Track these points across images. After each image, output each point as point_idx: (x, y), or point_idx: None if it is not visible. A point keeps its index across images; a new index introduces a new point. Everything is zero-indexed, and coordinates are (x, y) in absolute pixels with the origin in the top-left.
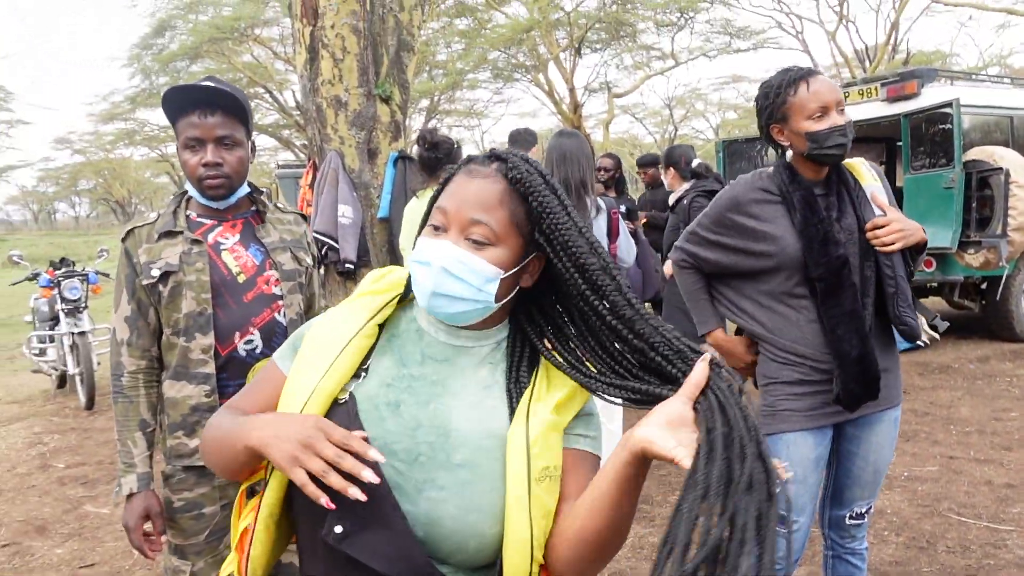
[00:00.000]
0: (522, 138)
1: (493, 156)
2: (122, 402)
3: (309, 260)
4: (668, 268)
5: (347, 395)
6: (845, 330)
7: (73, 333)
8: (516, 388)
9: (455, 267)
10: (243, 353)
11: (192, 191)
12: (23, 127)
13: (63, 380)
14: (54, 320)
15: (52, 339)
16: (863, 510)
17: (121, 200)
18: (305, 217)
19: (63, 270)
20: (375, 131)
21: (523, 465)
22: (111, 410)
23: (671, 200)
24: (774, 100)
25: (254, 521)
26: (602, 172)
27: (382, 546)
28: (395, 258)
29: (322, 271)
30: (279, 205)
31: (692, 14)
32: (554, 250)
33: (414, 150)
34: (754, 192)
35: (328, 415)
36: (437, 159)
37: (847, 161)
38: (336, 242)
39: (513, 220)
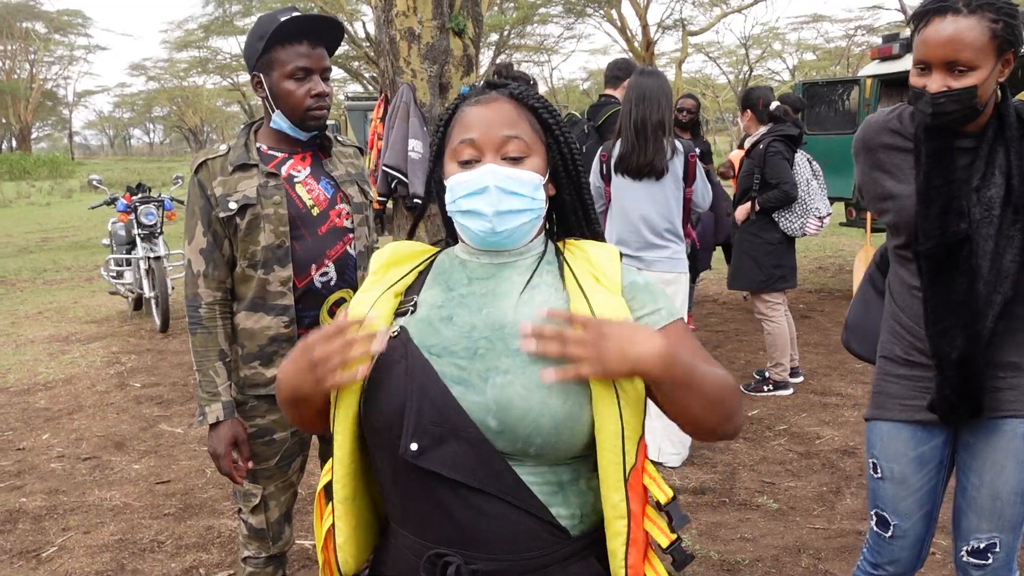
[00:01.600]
0: (622, 69)
1: (490, 86)
2: (201, 333)
3: (372, 193)
4: (740, 213)
5: (397, 327)
6: (950, 324)
7: (149, 257)
8: (561, 278)
9: (509, 184)
10: (319, 285)
11: (281, 122)
12: (101, 53)
13: (139, 302)
14: (131, 244)
15: (129, 263)
16: (982, 546)
17: (193, 127)
18: (363, 151)
19: (139, 195)
20: (447, 65)
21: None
22: (184, 334)
23: (747, 144)
24: (913, 29)
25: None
26: (684, 113)
27: (458, 455)
28: None
29: (390, 205)
30: (340, 138)
31: None
32: (562, 155)
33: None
34: (885, 135)
35: (383, 353)
36: None
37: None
38: (406, 176)
39: (534, 129)
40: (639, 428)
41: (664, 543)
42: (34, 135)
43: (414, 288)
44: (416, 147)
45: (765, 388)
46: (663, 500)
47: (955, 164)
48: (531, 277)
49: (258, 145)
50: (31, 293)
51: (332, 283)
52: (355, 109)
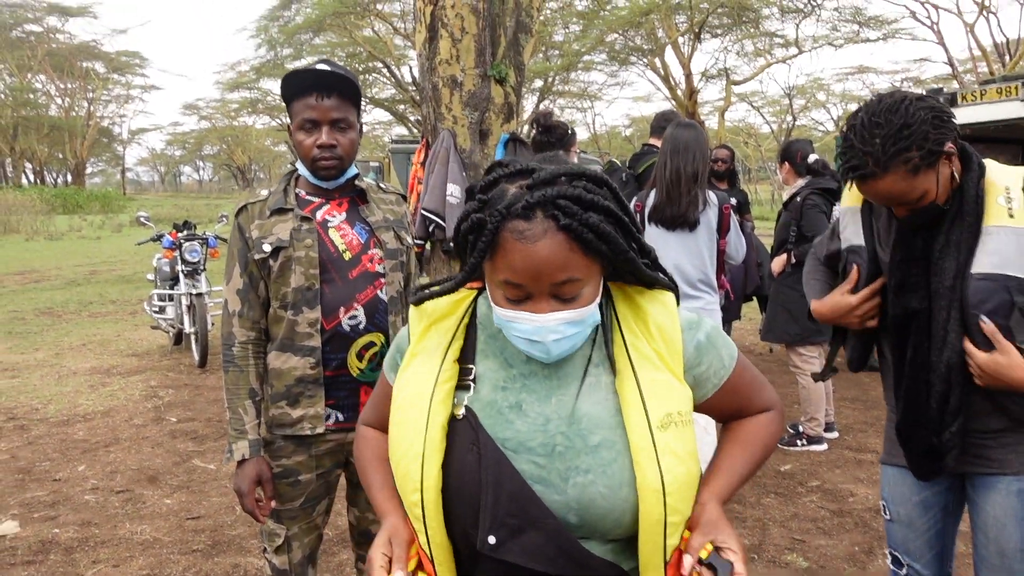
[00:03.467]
0: (667, 120)
1: (534, 207)
2: (233, 371)
3: (409, 239)
4: (776, 265)
5: (463, 410)
6: (909, 384)
7: (191, 294)
8: (611, 345)
9: (565, 330)
10: (347, 328)
11: (303, 170)
12: (156, 92)
13: (179, 338)
14: (174, 280)
15: (171, 298)
16: None
17: (242, 166)
18: (406, 197)
19: (185, 232)
20: (488, 112)
21: (641, 414)
22: (221, 369)
23: (784, 196)
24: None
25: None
26: (719, 164)
27: (537, 547)
28: None
29: (428, 248)
30: (382, 185)
31: (820, 0)
32: (624, 256)
33: (525, 131)
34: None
35: (450, 433)
36: (550, 143)
37: (990, 179)
38: (443, 220)
39: (587, 257)
40: (688, 512)
41: None
42: (88, 170)
43: (467, 352)
44: (454, 192)
45: (799, 443)
46: (704, 556)
47: (915, 243)
48: (591, 354)
49: (297, 191)
50: (76, 325)
51: (361, 327)
52: (399, 152)
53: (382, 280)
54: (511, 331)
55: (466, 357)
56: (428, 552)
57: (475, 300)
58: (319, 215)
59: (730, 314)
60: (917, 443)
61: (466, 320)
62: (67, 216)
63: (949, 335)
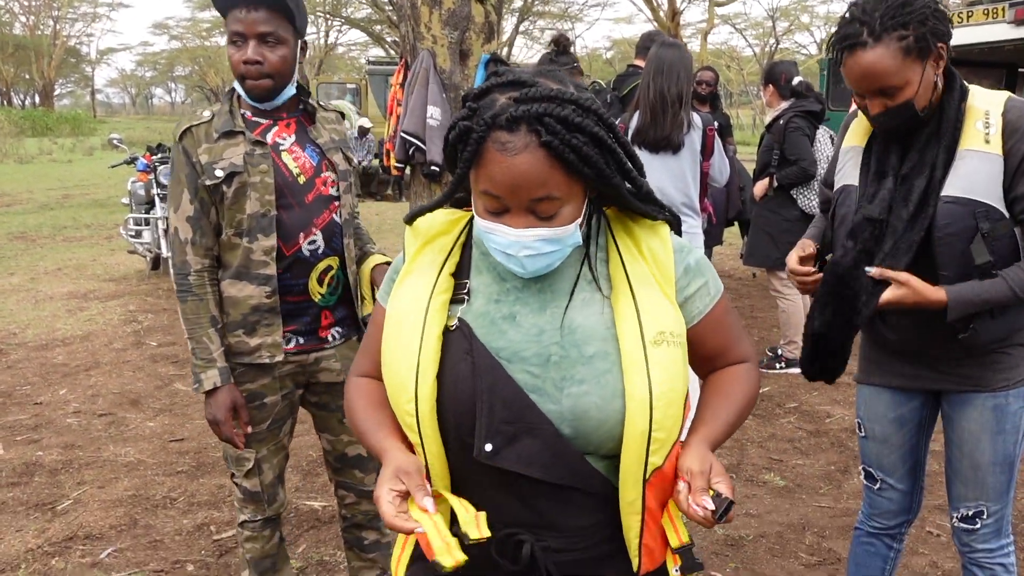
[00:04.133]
0: (651, 39)
1: (519, 120)
2: (192, 300)
3: (355, 159)
4: (759, 189)
5: (455, 321)
6: (824, 291)
7: (167, 217)
8: (607, 264)
9: (540, 247)
10: (307, 253)
11: (239, 89)
12: (124, 10)
13: (157, 262)
14: (150, 204)
15: (147, 222)
16: (970, 513)
17: (215, 88)
18: (343, 115)
19: (159, 156)
20: (468, 31)
21: (635, 329)
22: None
23: (767, 119)
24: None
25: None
26: (703, 86)
27: (533, 453)
28: None
29: (408, 172)
30: (320, 103)
31: None
32: (608, 177)
33: (506, 53)
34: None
35: (444, 344)
36: (562, 65)
37: (972, 103)
38: (423, 143)
39: (567, 176)
40: (673, 433)
41: (675, 544)
42: (57, 92)
43: (462, 268)
44: (435, 114)
45: (777, 366)
46: (675, 544)
47: (889, 159)
48: (581, 271)
49: (242, 112)
50: (51, 250)
51: (320, 251)
52: (376, 74)
53: (336, 203)
54: (489, 242)
55: (461, 273)
56: (424, 464)
57: (471, 220)
58: (269, 137)
59: (712, 239)
60: (830, 343)
61: (462, 239)
62: (36, 139)
63: (899, 253)
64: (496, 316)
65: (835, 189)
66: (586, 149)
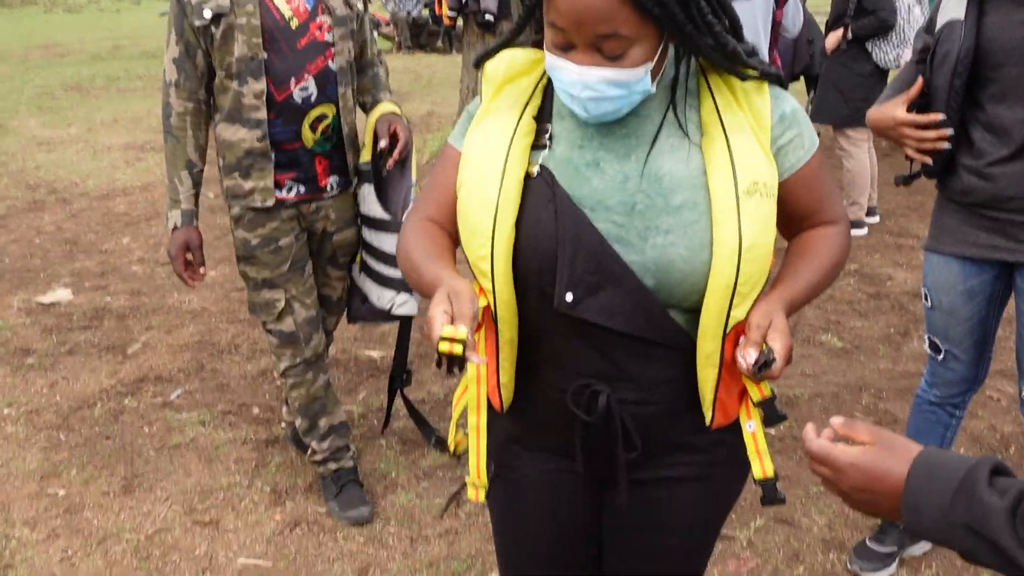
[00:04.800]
0: None
1: None
2: (171, 141)
3: (360, 4)
4: (832, 40)
5: (537, 167)
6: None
7: None
8: (697, 111)
9: (604, 89)
10: (298, 100)
11: None
12: None
13: None
14: None
15: None
16: None
17: None
18: None
19: None
20: None
21: (728, 177)
22: None
23: None
24: None
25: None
26: None
27: (615, 304)
28: None
29: (461, 22)
30: None
31: None
32: (682, 24)
33: None
34: None
35: (525, 190)
36: None
37: None
38: None
39: (638, 14)
40: (758, 286)
41: (756, 397)
42: None
43: (544, 112)
44: None
45: None
46: (756, 398)
47: None
48: (666, 112)
49: None
50: (106, 101)
51: (312, 98)
52: None
53: (332, 49)
54: (556, 80)
55: (543, 117)
56: (492, 309)
57: None
58: None
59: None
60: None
61: (544, 80)
62: None
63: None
64: (580, 163)
65: (938, 28)
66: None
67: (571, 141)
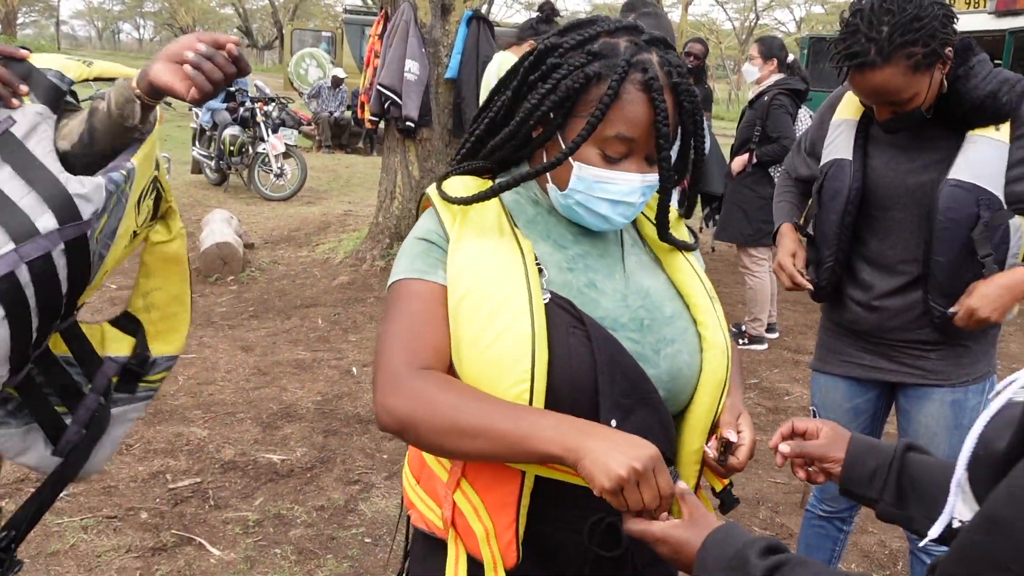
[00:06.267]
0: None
1: (675, 73)
2: None
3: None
4: (737, 164)
5: (547, 294)
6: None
7: None
8: (639, 226)
9: (647, 193)
10: None
11: None
12: None
13: None
14: None
15: None
16: None
17: (185, 27)
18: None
19: None
20: None
21: (698, 282)
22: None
23: (751, 94)
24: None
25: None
26: (691, 58)
27: (647, 424)
28: (458, 120)
29: (382, 126)
30: None
31: None
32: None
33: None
34: None
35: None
36: (542, 34)
37: None
38: (400, 97)
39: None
40: (730, 378)
41: (718, 487)
42: (20, 20)
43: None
44: (413, 68)
45: (740, 341)
46: (719, 488)
47: (898, 139)
48: (623, 234)
49: None
50: None
51: None
52: (353, 23)
53: None
54: (596, 193)
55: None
56: None
57: (495, 189)
58: None
59: (684, 211)
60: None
61: (500, 206)
62: None
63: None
64: (579, 285)
65: (824, 162)
66: (694, 97)
67: (556, 264)
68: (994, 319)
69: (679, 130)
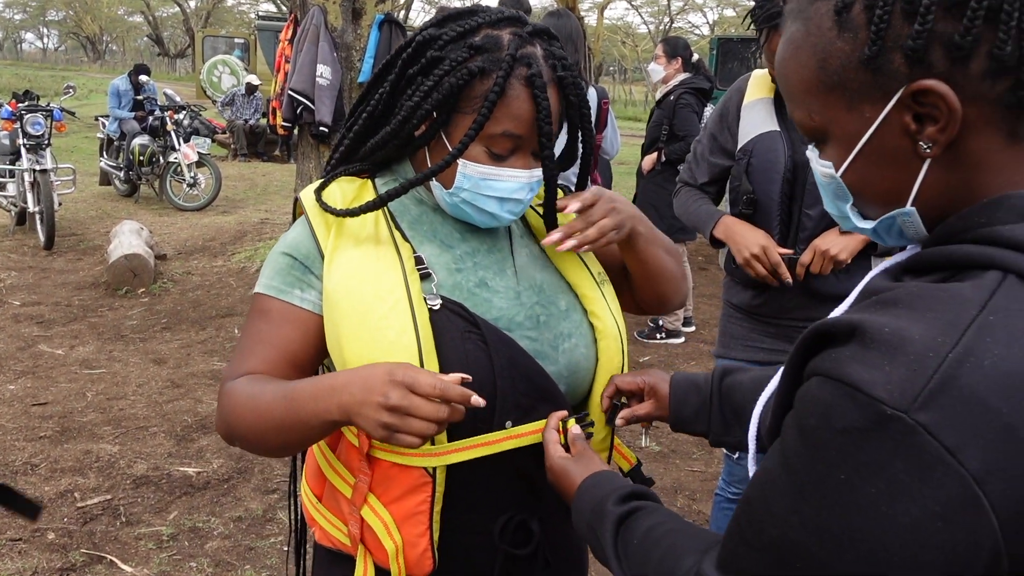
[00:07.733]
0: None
1: (559, 66)
2: None
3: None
4: (646, 163)
5: (437, 300)
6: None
7: (35, 170)
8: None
9: (535, 188)
10: None
11: None
12: None
13: (22, 216)
14: (15, 155)
15: (12, 174)
16: None
17: (91, 36)
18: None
19: (27, 103)
20: None
21: (584, 271)
22: (70, 251)
23: (658, 94)
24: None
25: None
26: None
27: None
28: None
29: (295, 132)
30: None
31: None
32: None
33: (401, 16)
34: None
35: (435, 326)
36: None
37: None
38: (312, 103)
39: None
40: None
41: (626, 467)
42: None
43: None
44: (325, 73)
45: (658, 336)
46: (627, 468)
47: None
48: (511, 227)
49: None
50: None
51: None
52: (266, 29)
53: None
54: (483, 191)
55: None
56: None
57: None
58: None
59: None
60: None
61: (382, 210)
62: None
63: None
64: (469, 286)
65: (748, 140)
66: (580, 90)
67: (444, 266)
68: (842, 257)
69: (565, 124)
